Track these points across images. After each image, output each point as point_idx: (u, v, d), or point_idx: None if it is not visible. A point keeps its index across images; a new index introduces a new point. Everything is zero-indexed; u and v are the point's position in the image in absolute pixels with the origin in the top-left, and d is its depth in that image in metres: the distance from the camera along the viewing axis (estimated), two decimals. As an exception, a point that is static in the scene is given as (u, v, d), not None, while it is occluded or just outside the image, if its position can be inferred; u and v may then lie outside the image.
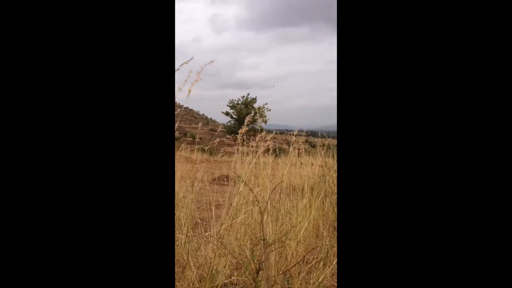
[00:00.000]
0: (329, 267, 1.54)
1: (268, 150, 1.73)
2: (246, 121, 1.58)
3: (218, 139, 1.53)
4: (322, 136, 3.78)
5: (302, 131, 2.43)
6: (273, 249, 1.43)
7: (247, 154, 1.86)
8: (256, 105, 18.42)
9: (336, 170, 2.96)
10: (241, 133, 1.52)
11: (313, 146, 3.78)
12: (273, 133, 1.74)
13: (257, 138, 1.62)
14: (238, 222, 1.86)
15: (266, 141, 1.64)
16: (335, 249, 1.72)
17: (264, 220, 1.66)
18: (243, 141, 1.76)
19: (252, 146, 1.81)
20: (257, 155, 1.69)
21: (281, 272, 1.41)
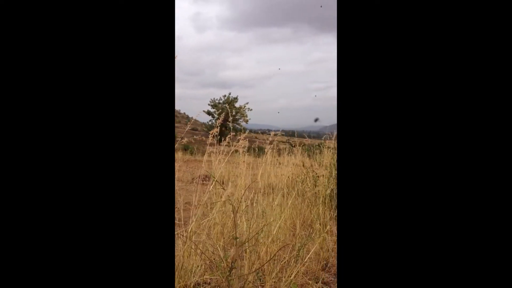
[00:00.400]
0: (301, 264, 1.56)
1: (243, 148, 1.74)
2: (218, 122, 1.58)
3: (186, 139, 1.52)
4: (303, 137, 3.83)
5: (278, 130, 2.45)
6: (246, 247, 1.44)
7: (223, 153, 1.87)
8: (237, 105, 18.40)
9: (313, 170, 3.01)
10: (211, 134, 1.53)
11: (294, 146, 3.83)
12: (246, 132, 1.75)
13: (227, 138, 1.63)
14: (214, 221, 1.86)
15: (238, 140, 1.65)
16: (308, 246, 1.75)
17: (239, 219, 1.67)
18: (219, 141, 1.77)
19: (233, 145, 1.81)
20: (229, 154, 1.70)
21: (253, 270, 1.43)
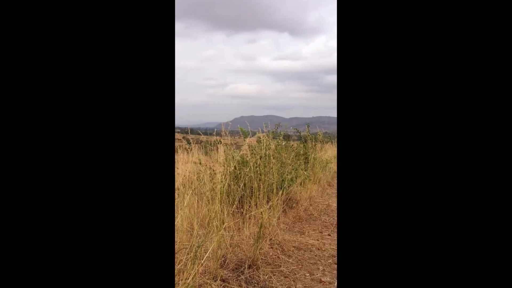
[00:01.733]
0: (199, 265, 1.52)
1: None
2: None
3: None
4: (198, 134, 3.78)
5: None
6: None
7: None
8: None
9: (210, 167, 2.99)
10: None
11: (189, 142, 3.75)
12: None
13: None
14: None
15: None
16: (206, 245, 1.72)
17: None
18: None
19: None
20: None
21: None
